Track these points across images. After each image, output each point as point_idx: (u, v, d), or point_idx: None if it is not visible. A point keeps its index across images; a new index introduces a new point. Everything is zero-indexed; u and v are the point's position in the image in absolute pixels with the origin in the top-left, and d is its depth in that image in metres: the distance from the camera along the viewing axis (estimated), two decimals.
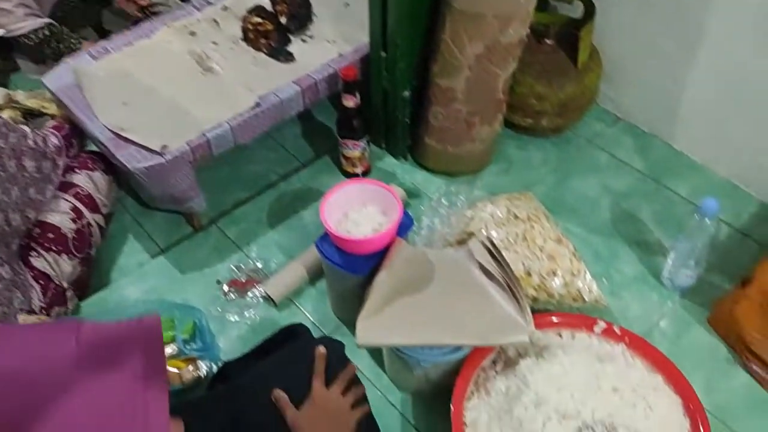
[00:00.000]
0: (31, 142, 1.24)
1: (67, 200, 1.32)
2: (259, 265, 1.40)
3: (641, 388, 1.07)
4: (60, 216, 1.29)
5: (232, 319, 1.32)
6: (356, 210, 1.18)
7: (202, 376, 1.17)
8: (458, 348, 1.10)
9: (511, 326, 1.07)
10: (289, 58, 1.48)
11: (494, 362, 1.15)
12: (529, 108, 1.57)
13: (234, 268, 1.40)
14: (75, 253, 1.29)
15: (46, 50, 1.60)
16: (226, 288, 1.36)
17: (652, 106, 1.63)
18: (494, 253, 1.14)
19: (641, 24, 1.53)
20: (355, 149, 1.49)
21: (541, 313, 1.19)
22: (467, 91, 1.42)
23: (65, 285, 1.27)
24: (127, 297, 1.36)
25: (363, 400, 0.97)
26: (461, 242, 1.28)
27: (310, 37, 1.53)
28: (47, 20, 1.60)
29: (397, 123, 1.54)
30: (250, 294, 1.35)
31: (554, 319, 1.18)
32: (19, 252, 1.23)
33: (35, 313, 1.19)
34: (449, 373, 1.12)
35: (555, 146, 1.65)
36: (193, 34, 1.52)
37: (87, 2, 1.83)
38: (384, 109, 1.53)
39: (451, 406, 1.06)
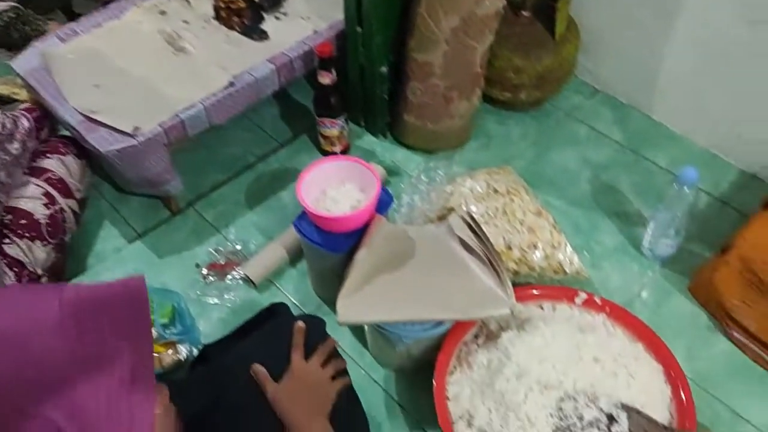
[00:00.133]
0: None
1: (38, 186, 1.29)
2: (238, 247, 1.38)
3: (622, 358, 1.07)
4: (32, 202, 1.27)
5: (212, 302, 1.30)
6: (334, 188, 1.17)
7: (182, 359, 1.15)
8: (440, 323, 1.10)
9: (492, 300, 1.07)
10: (262, 36, 1.45)
11: (476, 336, 1.15)
12: (507, 81, 1.56)
13: (213, 251, 1.38)
14: (49, 239, 1.27)
15: (12, 34, 1.56)
16: (205, 271, 1.34)
17: (631, 77, 1.62)
18: (474, 227, 1.14)
19: None
20: (333, 128, 1.47)
21: (522, 285, 1.19)
22: (444, 66, 1.41)
23: (39, 272, 1.25)
24: None
25: (343, 372, 0.97)
26: (442, 218, 1.27)
27: (284, 14, 1.51)
28: (12, 3, 1.56)
29: (375, 100, 1.52)
30: (229, 276, 1.33)
31: (535, 291, 1.18)
32: None
33: None
34: (431, 348, 1.12)
35: (534, 120, 1.64)
36: (163, 13, 1.49)
37: None
38: (361, 85, 1.51)
39: (434, 382, 1.06)
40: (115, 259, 1.39)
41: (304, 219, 1.16)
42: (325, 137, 1.50)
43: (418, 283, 1.10)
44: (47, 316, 0.57)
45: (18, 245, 1.22)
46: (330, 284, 1.16)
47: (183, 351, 1.16)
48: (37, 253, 1.24)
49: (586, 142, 1.59)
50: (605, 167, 1.53)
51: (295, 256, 1.36)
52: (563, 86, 1.65)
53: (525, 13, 1.55)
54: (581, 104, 1.68)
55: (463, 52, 1.39)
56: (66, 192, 1.34)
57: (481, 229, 1.13)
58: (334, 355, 0.98)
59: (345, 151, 1.55)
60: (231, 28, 1.46)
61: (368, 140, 1.60)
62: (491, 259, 1.09)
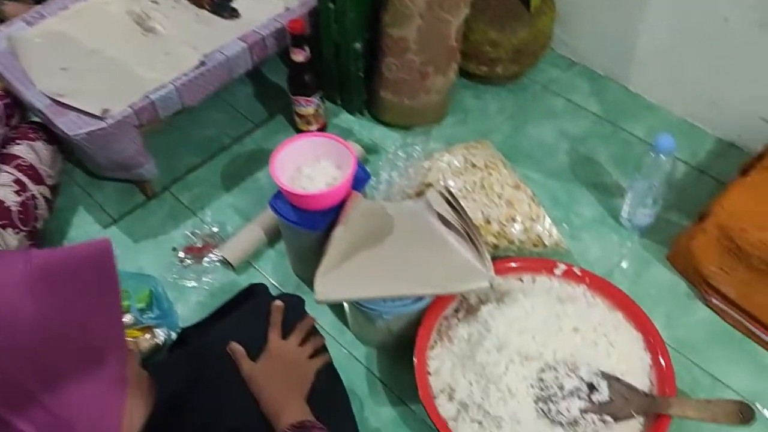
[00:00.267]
0: None
1: (9, 173, 1.26)
2: (215, 230, 1.37)
3: (602, 327, 1.07)
4: (3, 189, 1.24)
5: (190, 285, 1.29)
6: (309, 165, 1.15)
7: (160, 343, 1.14)
8: (419, 298, 1.09)
9: (471, 273, 1.06)
10: (233, 14, 1.42)
11: (456, 311, 1.15)
12: (483, 55, 1.55)
13: (189, 234, 1.36)
14: (20, 226, 1.24)
15: None
16: (181, 254, 1.33)
17: (607, 49, 1.61)
18: (452, 202, 1.13)
19: None
20: (308, 106, 1.45)
21: (501, 259, 1.19)
22: (420, 41, 1.39)
23: None
24: None
25: (322, 350, 0.96)
26: (420, 194, 1.26)
27: None
28: None
29: (351, 77, 1.50)
30: (206, 259, 1.32)
31: (513, 264, 1.18)
32: None
33: None
34: (412, 324, 1.11)
35: (511, 94, 1.63)
36: None
37: None
38: (336, 62, 1.48)
39: (414, 357, 1.06)
40: None
41: (280, 198, 1.15)
42: (301, 116, 1.48)
43: (397, 259, 1.09)
44: (16, 278, 0.56)
45: None
46: (308, 263, 1.15)
47: (161, 335, 1.14)
48: (9, 241, 1.22)
49: (564, 114, 1.58)
50: (583, 139, 1.53)
51: (273, 237, 1.35)
52: (540, 59, 1.64)
53: None
54: (558, 77, 1.67)
55: (437, 26, 1.38)
56: (37, 178, 1.31)
57: (459, 204, 1.12)
58: (313, 332, 0.97)
59: (322, 130, 1.53)
60: (201, 6, 1.43)
61: (345, 118, 1.58)
62: (470, 233, 1.09)
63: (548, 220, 1.25)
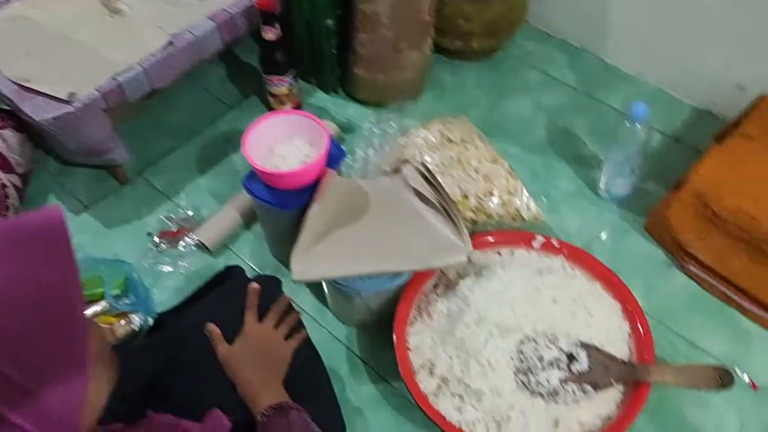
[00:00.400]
0: None
1: None
2: (190, 213, 1.35)
3: (581, 297, 1.07)
4: None
5: (166, 270, 1.27)
6: (282, 143, 1.13)
7: (136, 329, 1.13)
8: (397, 275, 1.08)
9: (449, 248, 1.06)
10: None
11: (435, 286, 1.15)
12: (458, 29, 1.53)
13: (164, 218, 1.34)
14: None
15: None
16: (156, 239, 1.31)
17: (583, 21, 1.60)
18: (428, 177, 1.12)
19: None
20: (281, 85, 1.43)
21: (479, 233, 1.18)
22: (392, 15, 1.37)
23: None
24: None
25: (298, 326, 0.95)
26: (396, 171, 1.25)
27: None
28: None
29: (324, 54, 1.48)
30: (182, 243, 1.30)
31: (491, 238, 1.18)
32: None
33: None
34: (391, 301, 1.11)
35: (488, 68, 1.62)
36: None
37: None
38: (308, 40, 1.46)
39: (393, 333, 1.05)
40: None
41: (254, 178, 1.13)
42: (274, 96, 1.45)
43: (374, 237, 1.08)
44: None
45: None
46: (287, 245, 1.13)
47: (136, 320, 1.13)
48: None
49: (540, 87, 1.57)
50: (560, 112, 1.52)
51: (249, 219, 1.33)
52: (515, 33, 1.63)
53: None
54: (534, 50, 1.66)
55: (410, 0, 1.36)
56: (6, 167, 1.28)
57: (436, 179, 1.12)
58: (288, 311, 0.96)
59: (296, 109, 1.51)
60: None
61: (320, 97, 1.56)
62: (447, 208, 1.08)
63: (526, 193, 1.24)
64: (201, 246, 1.29)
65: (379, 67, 1.47)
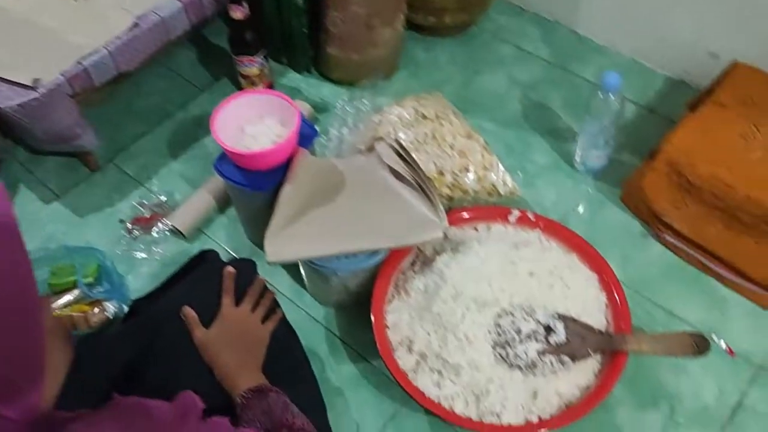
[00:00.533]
0: None
1: None
2: (163, 199, 1.33)
3: (557, 270, 1.07)
4: None
5: (140, 256, 1.25)
6: (252, 124, 1.11)
7: (111, 317, 1.11)
8: (374, 254, 1.07)
9: (425, 224, 1.05)
10: None
11: (413, 264, 1.14)
12: (431, 5, 1.51)
13: (136, 204, 1.32)
14: None
15: None
16: (129, 226, 1.29)
17: None
18: (403, 154, 1.11)
19: None
20: (251, 66, 1.41)
21: (455, 209, 1.18)
22: None
23: None
24: None
25: (273, 307, 0.94)
26: (371, 149, 1.24)
27: None
28: None
29: (295, 34, 1.45)
30: (155, 229, 1.28)
31: (466, 214, 1.17)
32: None
33: None
34: (369, 280, 1.10)
35: (461, 44, 1.61)
36: None
37: None
38: (279, 19, 1.44)
39: (371, 311, 1.05)
40: (32, 222, 1.32)
41: (225, 160, 1.11)
42: (245, 77, 1.43)
43: (350, 215, 1.07)
44: None
45: None
46: (261, 227, 1.12)
47: (111, 308, 1.11)
48: None
49: (514, 62, 1.56)
50: (534, 86, 1.51)
51: (223, 203, 1.31)
52: (489, 7, 1.61)
53: None
54: (507, 24, 1.64)
55: None
56: None
57: (410, 155, 1.11)
58: (263, 292, 0.95)
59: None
60: None
61: (292, 77, 1.54)
62: (422, 185, 1.07)
63: (502, 168, 1.24)
64: (175, 231, 1.27)
65: (351, 45, 1.45)
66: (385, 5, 1.40)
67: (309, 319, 1.18)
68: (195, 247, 1.27)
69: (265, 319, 0.92)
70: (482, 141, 1.25)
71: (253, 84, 1.44)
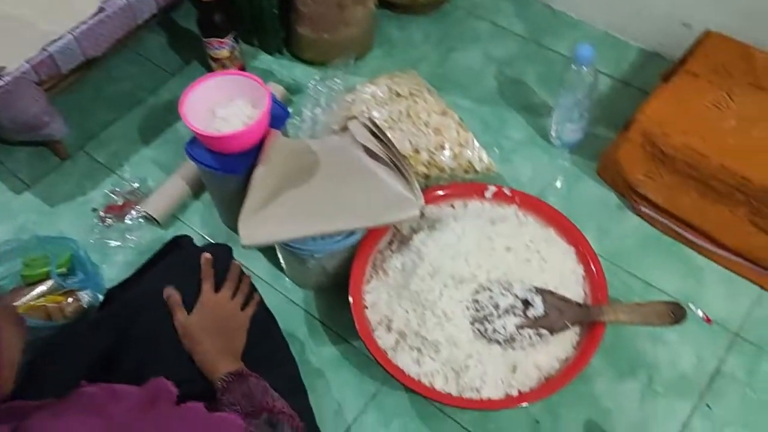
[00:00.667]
0: None
1: None
2: (136, 186, 1.31)
3: (534, 244, 1.07)
4: None
5: (114, 244, 1.24)
6: (222, 106, 1.10)
7: (85, 306, 1.09)
8: (350, 235, 1.06)
9: (401, 203, 1.04)
10: None
11: (390, 243, 1.13)
12: None
13: (109, 192, 1.30)
14: None
15: None
16: (102, 214, 1.27)
17: None
18: (377, 132, 1.10)
19: None
20: (222, 48, 1.38)
21: (431, 187, 1.17)
22: None
23: None
24: None
25: (251, 292, 0.94)
26: (345, 128, 1.22)
27: None
28: None
29: (265, 14, 1.43)
30: (129, 217, 1.26)
31: (442, 192, 1.16)
32: None
33: None
34: (347, 261, 1.09)
35: (435, 22, 1.59)
36: None
37: None
38: (248, 0, 1.41)
39: (349, 293, 1.04)
40: (3, 213, 1.29)
41: (196, 143, 1.09)
42: (216, 60, 1.41)
43: (325, 196, 1.06)
44: None
45: None
46: (234, 210, 1.10)
47: (85, 298, 1.10)
48: None
49: (489, 38, 1.55)
50: (509, 62, 1.50)
51: (197, 188, 1.30)
52: None
53: None
54: (481, 1, 1.63)
55: None
56: None
57: (384, 134, 1.09)
58: (240, 277, 0.94)
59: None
60: None
61: (264, 59, 1.52)
62: (397, 163, 1.06)
63: (477, 144, 1.23)
64: (149, 218, 1.26)
65: (323, 25, 1.43)
66: None
67: (288, 302, 1.17)
68: (170, 234, 1.26)
69: (244, 305, 0.92)
70: (457, 118, 1.24)
71: (224, 67, 1.42)
